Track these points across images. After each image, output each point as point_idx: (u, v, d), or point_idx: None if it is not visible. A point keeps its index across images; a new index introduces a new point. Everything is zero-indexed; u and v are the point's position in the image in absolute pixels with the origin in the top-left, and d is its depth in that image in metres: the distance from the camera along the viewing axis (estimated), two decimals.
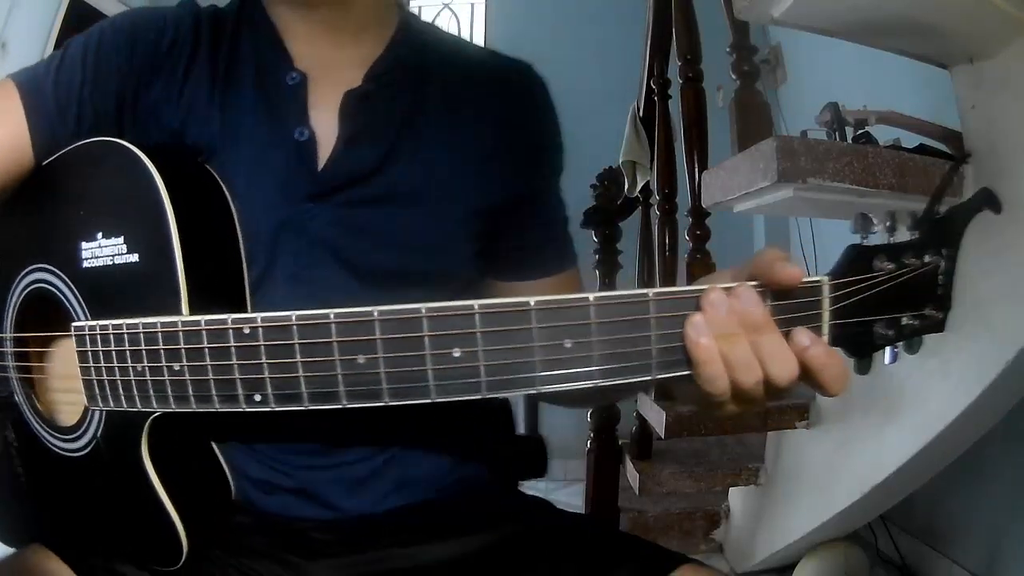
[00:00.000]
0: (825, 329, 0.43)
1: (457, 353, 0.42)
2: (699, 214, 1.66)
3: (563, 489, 2.66)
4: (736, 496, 1.99)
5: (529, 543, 0.65)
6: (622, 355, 0.42)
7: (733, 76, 1.71)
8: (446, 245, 0.65)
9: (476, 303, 0.42)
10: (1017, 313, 1.09)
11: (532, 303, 0.41)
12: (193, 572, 0.57)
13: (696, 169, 1.69)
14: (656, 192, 1.90)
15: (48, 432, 0.61)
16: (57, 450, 0.60)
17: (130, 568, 0.58)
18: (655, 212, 1.94)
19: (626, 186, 2.17)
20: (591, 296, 0.42)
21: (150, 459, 0.54)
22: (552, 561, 0.62)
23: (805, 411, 1.63)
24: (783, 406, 1.64)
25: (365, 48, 0.65)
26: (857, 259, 0.43)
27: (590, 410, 1.91)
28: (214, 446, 0.61)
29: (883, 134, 1.47)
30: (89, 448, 0.57)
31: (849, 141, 1.53)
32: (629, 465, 1.85)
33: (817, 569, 1.65)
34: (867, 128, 1.48)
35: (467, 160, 0.65)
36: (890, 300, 0.43)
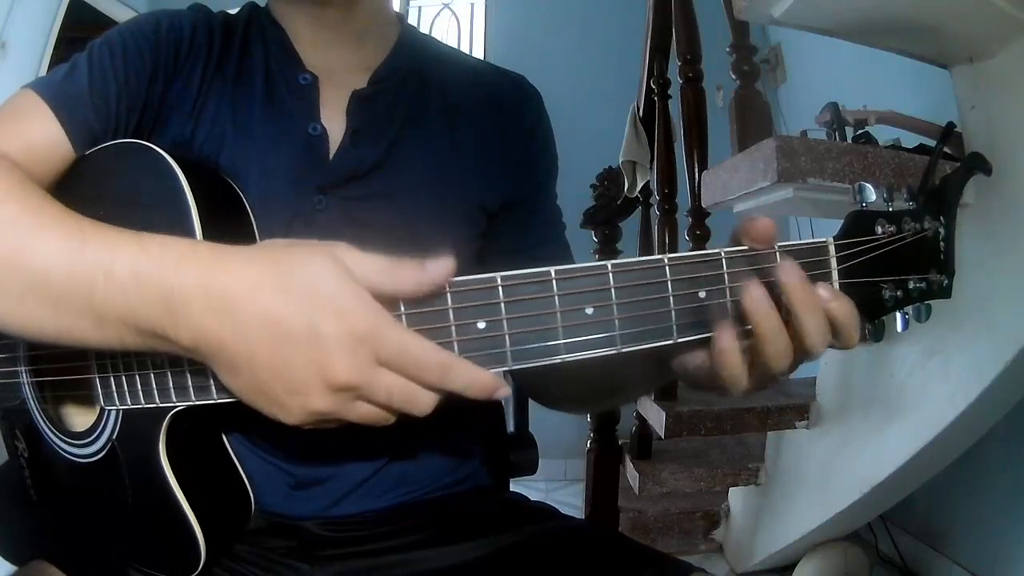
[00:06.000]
0: (836, 288, 0.45)
1: (482, 324, 0.43)
2: (699, 214, 1.66)
3: (563, 489, 2.66)
4: (736, 496, 1.99)
5: (534, 550, 0.65)
6: (642, 318, 0.43)
7: (733, 76, 1.71)
8: (449, 241, 0.66)
9: (498, 275, 0.43)
10: (1017, 313, 1.09)
11: (552, 272, 0.43)
12: None
13: (696, 169, 1.69)
14: (656, 192, 1.90)
15: (60, 438, 0.61)
16: (69, 456, 0.60)
17: None
18: (655, 212, 1.94)
19: (626, 186, 2.17)
20: (609, 263, 0.43)
21: (168, 460, 0.53)
22: (559, 570, 0.62)
23: (805, 411, 1.63)
24: (783, 406, 1.64)
25: (369, 54, 0.69)
26: (859, 223, 0.45)
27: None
28: (231, 453, 0.61)
29: (883, 134, 1.47)
30: (103, 452, 0.57)
31: (849, 141, 1.53)
32: (629, 465, 1.85)
33: (817, 569, 1.65)
34: (867, 128, 1.48)
35: (466, 159, 0.68)
36: (895, 263, 0.45)
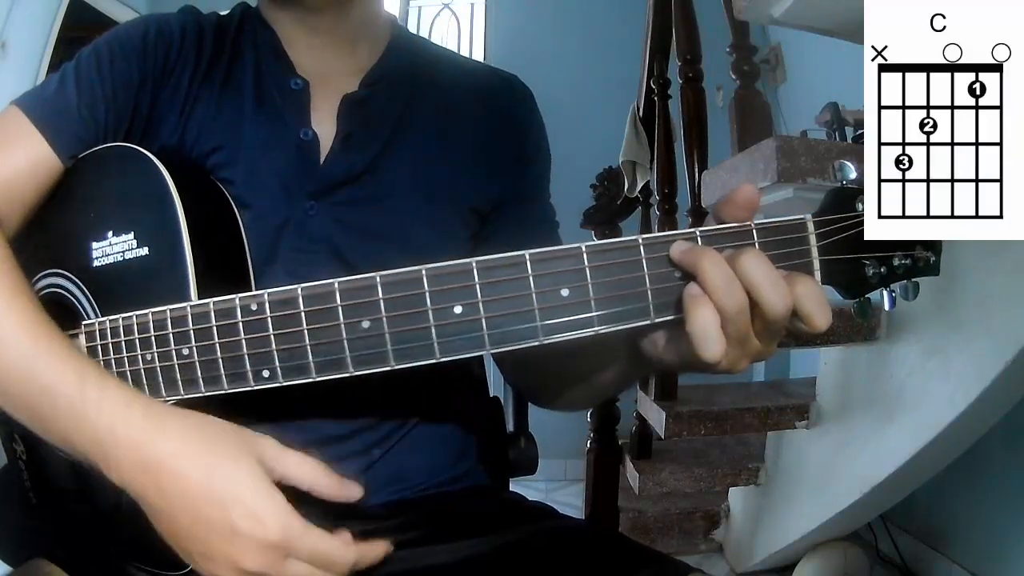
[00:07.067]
0: (816, 265, 0.43)
1: (458, 309, 0.43)
2: (699, 214, 1.66)
3: (563, 489, 2.65)
4: (736, 496, 1.99)
5: (531, 549, 0.64)
6: (618, 299, 0.43)
7: (733, 76, 1.71)
8: (441, 244, 0.66)
9: (473, 260, 0.43)
10: (1017, 313, 1.09)
11: (527, 255, 0.43)
12: None
13: (696, 169, 1.69)
14: (656, 192, 1.90)
15: None
16: (64, 455, 0.60)
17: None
18: (655, 212, 1.94)
19: (626, 186, 2.17)
20: (583, 245, 0.43)
21: None
22: (557, 569, 0.62)
23: (805, 411, 1.63)
24: (783, 406, 1.64)
25: (361, 57, 0.69)
26: (839, 199, 0.44)
27: (589, 410, 1.91)
28: None
29: None
30: None
31: (849, 141, 1.53)
32: (629, 465, 1.85)
33: (817, 569, 1.65)
34: None
35: (458, 161, 0.68)
36: (879, 240, 0.43)
